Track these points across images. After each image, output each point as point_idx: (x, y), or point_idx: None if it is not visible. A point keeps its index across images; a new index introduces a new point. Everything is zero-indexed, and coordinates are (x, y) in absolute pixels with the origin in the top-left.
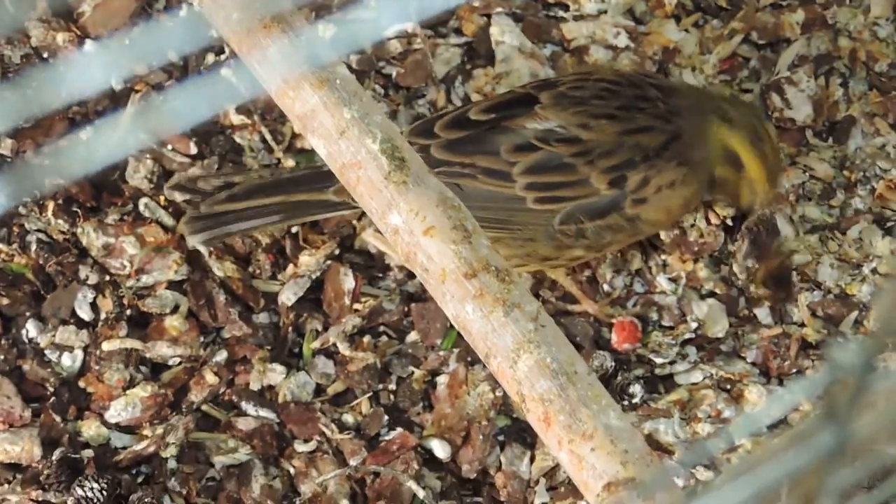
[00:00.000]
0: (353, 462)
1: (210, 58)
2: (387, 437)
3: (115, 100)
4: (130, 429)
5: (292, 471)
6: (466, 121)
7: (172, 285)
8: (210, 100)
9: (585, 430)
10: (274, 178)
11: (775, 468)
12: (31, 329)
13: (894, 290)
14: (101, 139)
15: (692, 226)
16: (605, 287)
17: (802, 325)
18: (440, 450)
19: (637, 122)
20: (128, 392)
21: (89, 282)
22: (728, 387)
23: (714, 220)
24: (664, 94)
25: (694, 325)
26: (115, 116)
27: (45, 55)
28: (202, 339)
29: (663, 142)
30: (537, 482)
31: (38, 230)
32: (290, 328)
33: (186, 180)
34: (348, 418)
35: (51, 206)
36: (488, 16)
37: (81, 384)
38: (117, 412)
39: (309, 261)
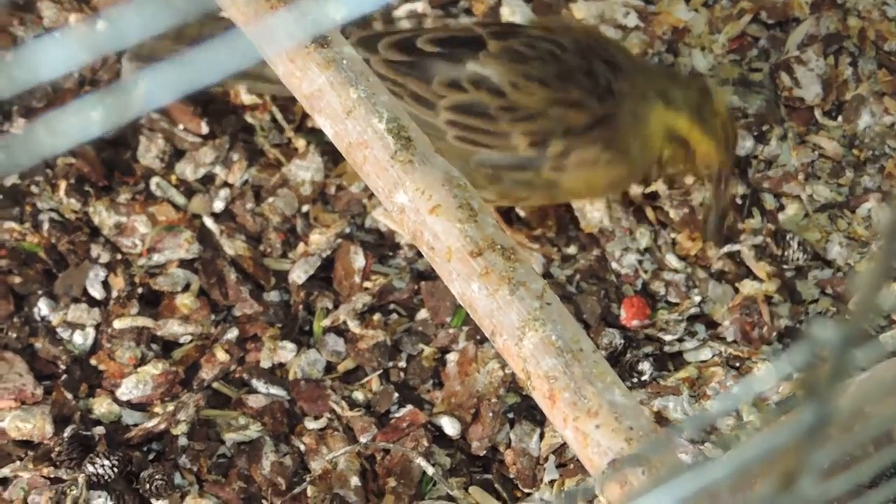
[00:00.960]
0: (363, 439)
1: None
2: (397, 415)
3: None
4: (141, 406)
5: (303, 448)
6: (411, 47)
7: (184, 264)
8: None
9: (590, 407)
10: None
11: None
12: (43, 307)
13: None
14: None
15: (702, 204)
16: (614, 265)
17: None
18: (450, 427)
19: (569, 94)
20: (139, 370)
21: (101, 260)
22: (737, 364)
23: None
24: (611, 72)
25: (697, 298)
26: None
27: (58, 36)
28: (213, 317)
29: (589, 122)
30: (546, 459)
31: (51, 209)
32: (300, 306)
33: (145, 50)
34: (358, 396)
35: (63, 185)
36: None
37: (93, 362)
38: (128, 389)
39: (319, 239)
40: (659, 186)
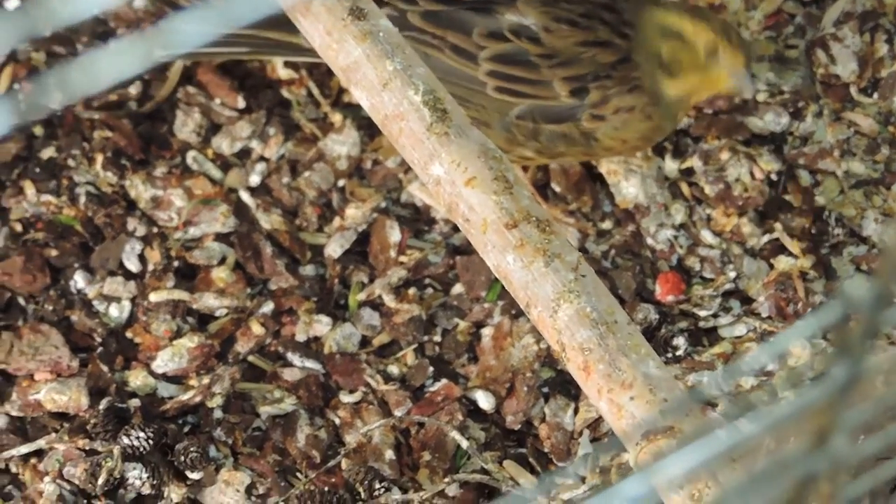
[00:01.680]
0: (397, 413)
1: None
2: (431, 389)
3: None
4: (177, 379)
5: (337, 421)
6: None
7: (220, 237)
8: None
9: (625, 378)
10: None
11: (790, 403)
12: (79, 280)
13: None
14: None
15: (737, 180)
16: (649, 241)
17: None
18: (484, 401)
19: (596, 33)
20: (174, 342)
21: (137, 234)
22: (771, 339)
23: (759, 175)
24: (630, 4)
25: (732, 274)
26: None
27: None
28: (249, 290)
29: (614, 60)
30: (581, 433)
31: (87, 182)
32: (336, 280)
33: None
34: (393, 369)
35: (100, 158)
36: None
37: (129, 335)
38: (164, 362)
39: (355, 213)
40: (695, 162)
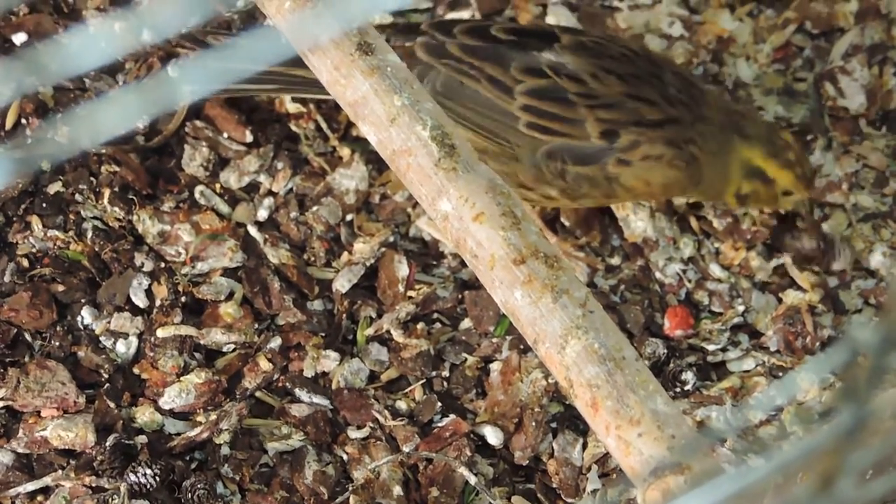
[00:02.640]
0: (406, 448)
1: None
2: (440, 424)
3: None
4: (184, 415)
5: (345, 457)
6: (486, 33)
7: (227, 272)
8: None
9: (633, 415)
10: None
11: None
12: (86, 316)
13: None
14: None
15: (745, 214)
16: (658, 275)
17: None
18: (493, 436)
19: (644, 92)
20: (182, 378)
21: (144, 269)
22: (780, 374)
23: (767, 208)
24: (680, 83)
25: (741, 308)
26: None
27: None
28: (256, 325)
29: (660, 119)
30: (589, 469)
31: (95, 217)
32: (344, 315)
33: (197, 33)
34: (401, 405)
35: (107, 193)
36: (544, 5)
37: (136, 370)
38: (171, 398)
39: (363, 248)
40: None
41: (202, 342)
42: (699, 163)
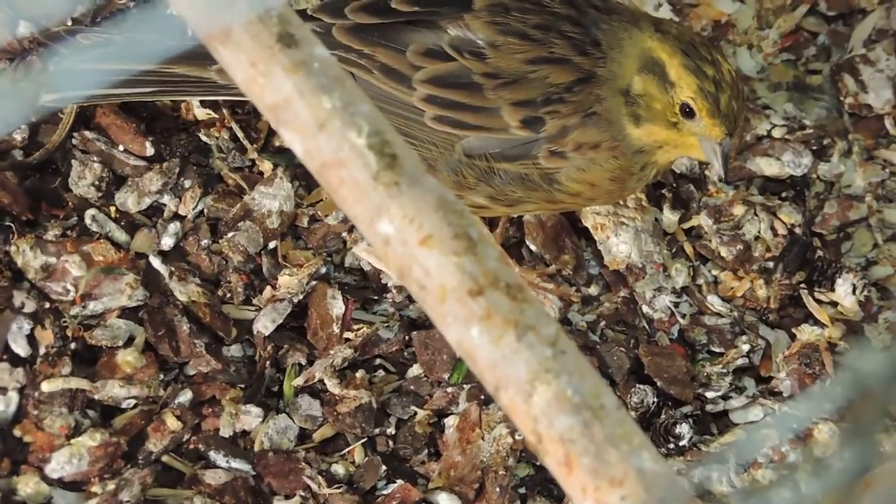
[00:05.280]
0: None
1: None
2: (385, 492)
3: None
4: (76, 485)
5: None
6: (385, 8)
7: (126, 313)
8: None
9: (614, 474)
10: (153, 45)
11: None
12: None
13: None
14: None
15: (757, 238)
16: (645, 308)
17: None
18: None
19: (551, 48)
20: (73, 441)
21: (25, 310)
22: (794, 424)
23: (781, 230)
24: (602, 15)
25: (745, 347)
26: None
27: None
28: (162, 376)
29: (570, 81)
30: None
31: None
32: (267, 362)
33: (63, 29)
34: (338, 469)
35: None
36: None
37: (17, 433)
38: (60, 465)
39: (290, 281)
40: (703, 220)
41: (97, 397)
42: (620, 131)
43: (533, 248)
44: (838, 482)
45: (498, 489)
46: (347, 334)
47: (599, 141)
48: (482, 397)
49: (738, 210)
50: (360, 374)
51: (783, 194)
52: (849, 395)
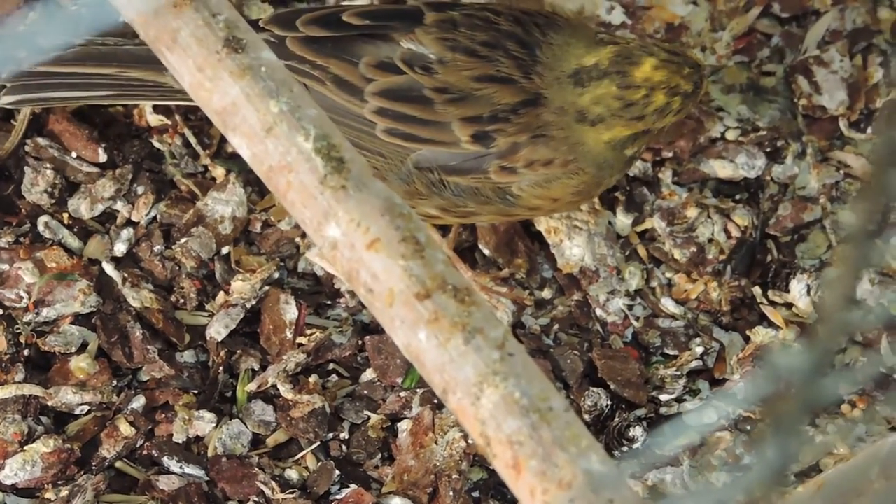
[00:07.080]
0: None
1: None
2: (338, 496)
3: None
4: (30, 491)
5: None
6: (336, 21)
7: (79, 319)
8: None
9: (562, 476)
10: (111, 48)
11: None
12: None
13: (837, 283)
14: None
15: (710, 241)
16: (599, 311)
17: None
18: None
19: (497, 66)
20: (26, 448)
21: None
22: (748, 427)
23: (735, 233)
24: (543, 34)
25: (699, 350)
26: None
27: None
28: (115, 382)
29: (516, 102)
30: None
31: None
32: (220, 368)
33: (18, 32)
34: (292, 474)
35: None
36: None
37: None
38: (14, 472)
39: (243, 287)
40: (656, 223)
41: (50, 403)
42: (577, 144)
43: (486, 252)
44: (759, 479)
45: (451, 493)
46: (300, 339)
47: (552, 158)
48: (435, 401)
49: (692, 212)
50: (313, 379)
51: (737, 196)
52: (766, 392)
